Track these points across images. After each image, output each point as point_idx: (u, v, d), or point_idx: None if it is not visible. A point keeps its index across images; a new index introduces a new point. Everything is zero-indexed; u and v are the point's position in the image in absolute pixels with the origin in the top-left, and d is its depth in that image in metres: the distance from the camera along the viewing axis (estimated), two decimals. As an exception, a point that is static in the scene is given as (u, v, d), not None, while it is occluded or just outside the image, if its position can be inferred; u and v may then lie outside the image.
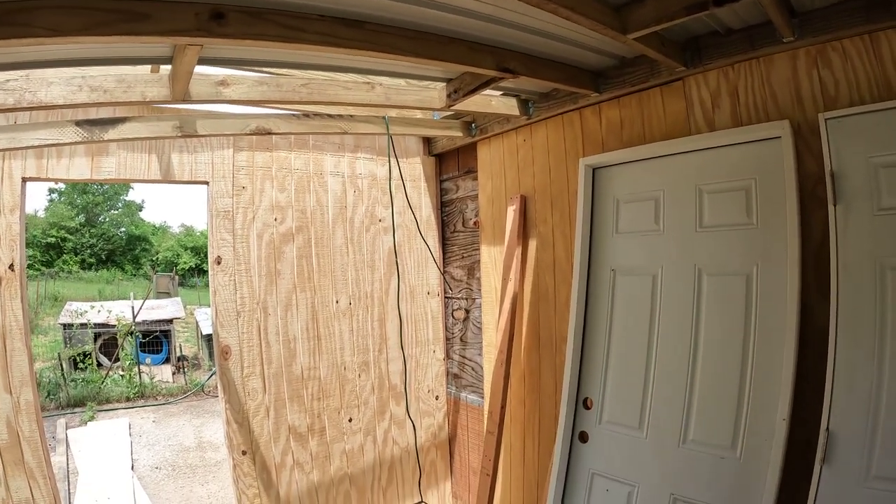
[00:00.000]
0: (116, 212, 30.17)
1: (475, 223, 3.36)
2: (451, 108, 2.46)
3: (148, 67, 2.02)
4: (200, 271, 27.63)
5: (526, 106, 2.77)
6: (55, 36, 1.30)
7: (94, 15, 1.32)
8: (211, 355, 10.51)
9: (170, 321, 11.09)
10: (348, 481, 3.20)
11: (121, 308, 11.20)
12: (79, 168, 2.45)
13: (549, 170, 2.81)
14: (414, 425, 3.44)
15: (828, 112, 1.72)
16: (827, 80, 1.78)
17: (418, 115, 3.10)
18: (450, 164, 3.60)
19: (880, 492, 1.54)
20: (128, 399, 8.60)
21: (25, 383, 2.29)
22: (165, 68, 1.92)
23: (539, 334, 2.87)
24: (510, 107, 2.74)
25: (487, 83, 2.19)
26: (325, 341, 3.15)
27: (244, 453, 2.83)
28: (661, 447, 2.16)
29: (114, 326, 10.29)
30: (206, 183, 2.80)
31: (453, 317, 3.60)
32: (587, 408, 2.46)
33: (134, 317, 10.33)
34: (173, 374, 10.43)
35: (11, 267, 2.28)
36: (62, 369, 9.01)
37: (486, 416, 3.13)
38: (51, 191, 27.89)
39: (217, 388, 3.05)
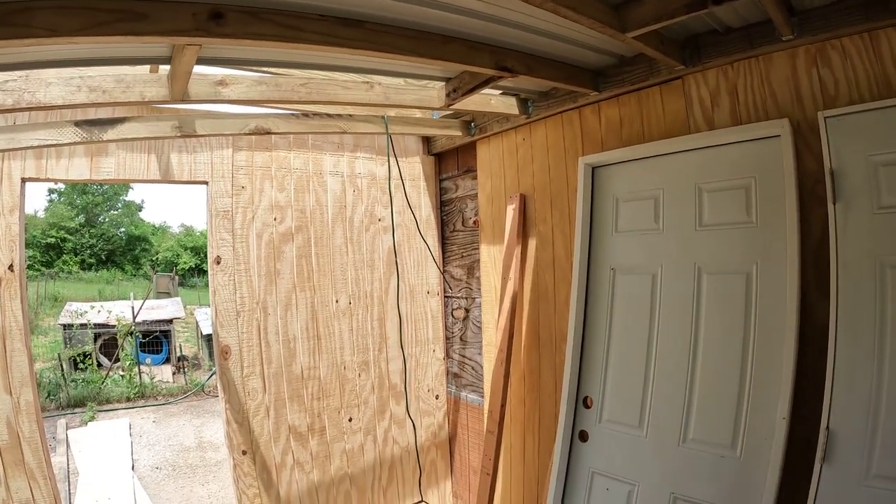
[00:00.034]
0: (116, 212, 30.17)
1: (475, 222, 3.36)
2: (451, 107, 2.46)
3: (147, 67, 2.02)
4: (200, 271, 27.63)
5: (525, 105, 2.77)
6: (54, 36, 1.30)
7: (92, 15, 1.32)
8: (211, 355, 10.51)
9: (170, 321, 11.09)
10: (348, 481, 3.20)
11: (121, 308, 11.20)
12: (78, 168, 2.45)
13: (548, 169, 2.81)
14: (414, 425, 3.45)
15: (827, 110, 1.72)
16: (826, 79, 1.78)
17: (417, 114, 3.09)
18: (449, 163, 3.60)
19: (880, 490, 1.54)
20: (128, 399, 8.61)
21: (25, 384, 2.29)
22: (164, 68, 1.92)
23: (539, 333, 2.87)
24: (509, 106, 2.74)
25: (486, 82, 2.18)
26: (324, 341, 3.15)
27: (244, 453, 2.83)
28: (661, 446, 2.16)
29: (114, 327, 10.29)
30: (206, 183, 2.80)
31: (453, 316, 3.60)
32: (587, 407, 2.46)
33: (134, 317, 10.33)
34: (173, 374, 10.44)
35: (11, 267, 2.28)
36: (62, 370, 9.01)
37: (486, 415, 3.13)
38: (50, 191, 27.92)
39: (217, 387, 3.05)
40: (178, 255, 29.44)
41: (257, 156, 2.95)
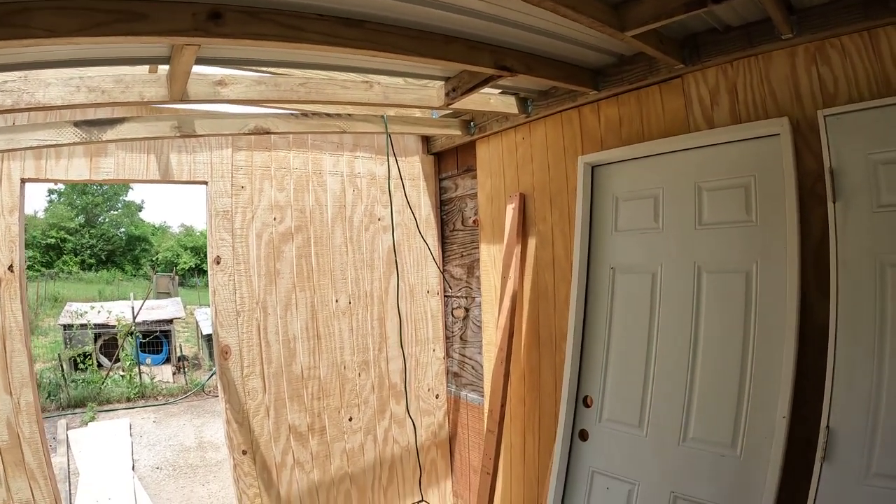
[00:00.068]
0: (116, 212, 30.17)
1: (474, 222, 3.36)
2: (450, 106, 2.46)
3: (146, 68, 2.02)
4: (200, 271, 27.63)
5: (525, 104, 2.77)
6: (52, 37, 1.30)
7: (91, 15, 1.32)
8: (211, 355, 10.51)
9: (170, 321, 11.09)
10: (349, 480, 3.21)
11: (121, 308, 11.20)
12: (77, 169, 2.45)
13: (548, 168, 2.81)
14: (414, 424, 3.45)
15: (827, 109, 1.72)
16: (826, 77, 1.77)
17: (417, 113, 3.09)
18: (449, 162, 3.60)
19: (880, 489, 1.54)
20: (128, 399, 8.61)
21: (26, 384, 2.29)
22: (163, 68, 1.91)
23: (539, 332, 2.87)
24: (509, 105, 2.73)
25: (486, 81, 2.18)
26: (324, 340, 3.15)
27: (244, 453, 2.83)
28: (661, 445, 2.16)
29: (114, 327, 10.29)
30: (205, 183, 2.80)
31: (453, 315, 3.60)
32: (587, 406, 2.46)
33: (134, 317, 10.33)
34: (174, 374, 10.44)
35: (11, 268, 2.27)
36: (62, 370, 9.01)
37: (486, 414, 3.13)
38: (50, 192, 27.93)
39: (217, 387, 3.05)
40: (178, 255, 29.45)
41: (257, 156, 2.95)
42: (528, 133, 2.92)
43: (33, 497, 2.28)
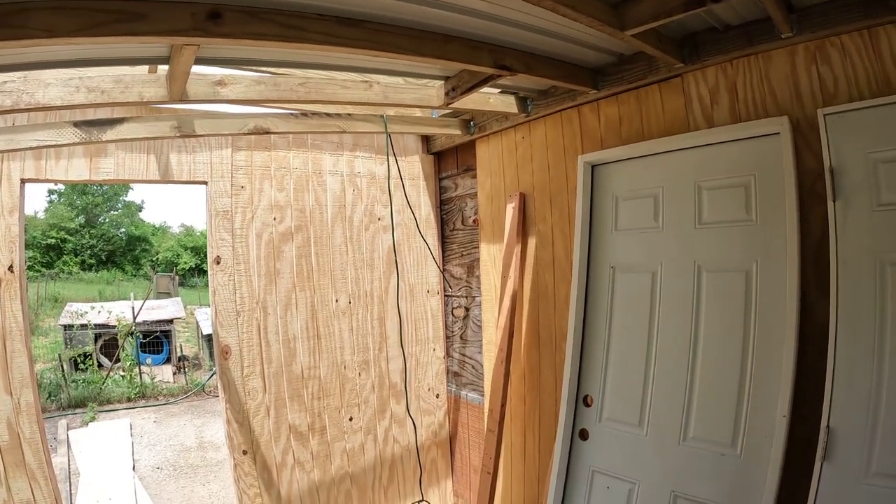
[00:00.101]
0: (116, 212, 30.16)
1: (474, 221, 3.36)
2: (450, 106, 2.46)
3: (145, 68, 2.02)
4: (200, 271, 27.62)
5: (524, 103, 2.77)
6: (52, 37, 1.30)
7: (90, 15, 1.32)
8: (211, 355, 10.51)
9: (170, 321, 11.10)
10: (349, 480, 3.21)
11: (121, 308, 11.20)
12: (77, 169, 2.45)
13: (547, 167, 2.80)
14: (414, 424, 3.45)
15: (827, 108, 1.71)
16: (826, 76, 1.77)
17: (416, 113, 3.09)
18: (448, 162, 3.60)
19: (881, 488, 1.54)
20: (129, 399, 8.61)
21: (26, 384, 2.29)
22: (163, 68, 1.91)
23: (539, 332, 2.87)
24: (508, 104, 2.73)
25: (485, 81, 2.18)
26: (324, 340, 3.15)
27: (245, 453, 2.83)
28: (661, 444, 2.16)
29: (114, 327, 10.29)
30: (205, 183, 2.80)
31: (453, 315, 3.61)
32: (587, 405, 2.46)
33: (134, 317, 10.33)
34: (174, 374, 10.44)
35: (11, 268, 2.28)
36: (63, 370, 9.02)
37: (486, 413, 3.13)
38: (50, 192, 27.91)
39: (217, 387, 3.05)
40: (178, 256, 29.44)
41: (256, 155, 2.95)
42: (528, 132, 2.92)
43: (34, 497, 2.28)
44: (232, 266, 2.84)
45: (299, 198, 3.08)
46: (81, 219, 27.90)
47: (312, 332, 3.11)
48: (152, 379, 9.48)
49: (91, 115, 2.26)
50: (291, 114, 2.66)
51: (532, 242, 2.91)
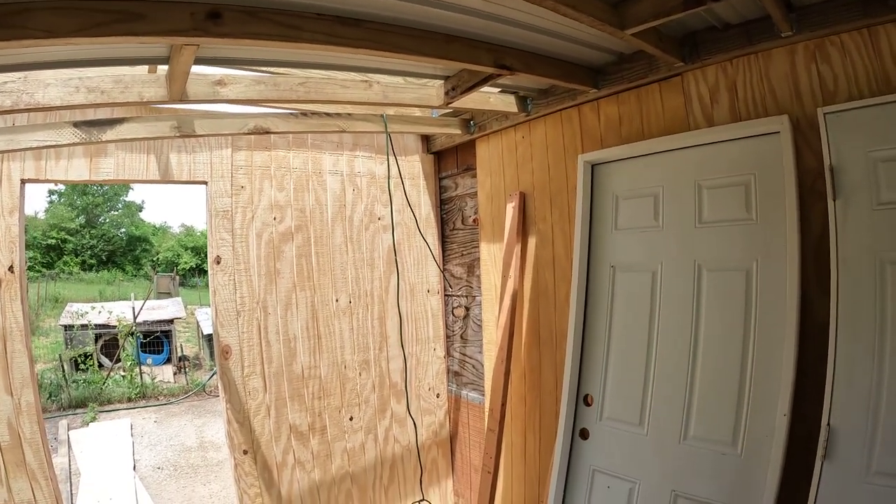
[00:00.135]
0: (116, 213, 30.18)
1: (474, 220, 3.36)
2: (450, 105, 2.46)
3: (145, 68, 2.02)
4: (201, 271, 27.63)
5: (524, 103, 2.77)
6: (51, 37, 1.30)
7: (89, 16, 1.32)
8: (212, 355, 10.52)
9: (171, 321, 11.10)
10: (350, 480, 3.21)
11: (121, 309, 11.21)
12: (77, 169, 2.45)
13: (547, 167, 2.80)
14: (415, 423, 3.45)
15: (826, 107, 1.71)
16: (825, 75, 1.77)
17: (416, 112, 3.09)
18: (448, 161, 3.60)
19: (881, 487, 1.54)
20: (129, 399, 8.62)
21: (26, 385, 2.29)
22: (162, 68, 1.91)
23: (539, 331, 2.87)
24: (508, 104, 2.73)
25: (485, 80, 2.18)
26: (325, 340, 3.15)
27: (245, 453, 2.83)
28: (661, 443, 2.16)
29: (115, 327, 10.30)
30: (205, 183, 2.80)
31: (453, 314, 3.61)
32: (588, 404, 2.46)
33: (135, 317, 10.34)
34: (174, 374, 10.45)
35: (11, 269, 2.28)
36: (63, 370, 9.03)
37: (486, 413, 3.13)
38: (50, 192, 27.93)
39: (218, 387, 3.05)
40: (178, 256, 29.46)
41: (256, 155, 2.95)
42: (528, 132, 2.92)
43: (34, 497, 2.28)
44: (232, 266, 2.84)
45: (299, 197, 3.08)
46: (82, 219, 27.92)
47: (313, 331, 3.11)
48: (153, 379, 9.49)
49: (91, 115, 2.26)
50: (291, 113, 2.66)
51: (532, 242, 2.91)
